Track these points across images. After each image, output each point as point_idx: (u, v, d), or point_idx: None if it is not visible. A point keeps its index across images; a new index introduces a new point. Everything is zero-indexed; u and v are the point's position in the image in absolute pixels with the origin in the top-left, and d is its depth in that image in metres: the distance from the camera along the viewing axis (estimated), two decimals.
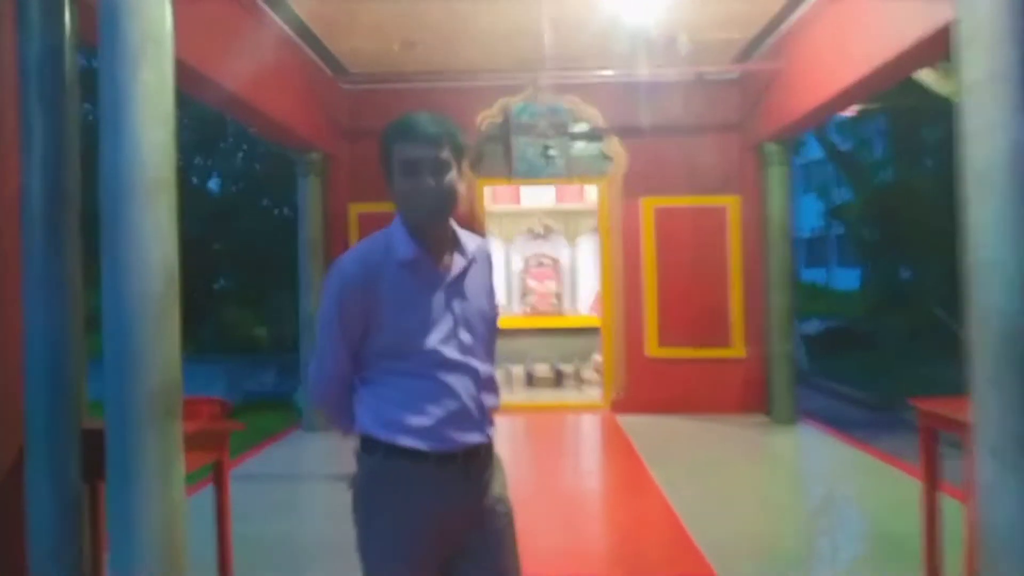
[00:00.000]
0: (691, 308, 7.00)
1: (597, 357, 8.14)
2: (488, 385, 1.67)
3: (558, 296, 11.24)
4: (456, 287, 1.63)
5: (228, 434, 2.77)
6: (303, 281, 6.49)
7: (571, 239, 11.07)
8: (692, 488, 4.65)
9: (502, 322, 8.37)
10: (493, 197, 10.68)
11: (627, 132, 7.03)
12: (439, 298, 1.60)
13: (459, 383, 1.59)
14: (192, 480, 2.82)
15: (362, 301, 1.57)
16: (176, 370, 2.14)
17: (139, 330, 2.03)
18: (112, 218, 2.05)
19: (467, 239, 1.68)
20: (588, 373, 8.85)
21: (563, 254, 11.22)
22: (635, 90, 6.86)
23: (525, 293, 11.23)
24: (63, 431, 2.07)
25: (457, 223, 1.65)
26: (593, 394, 7.90)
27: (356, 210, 6.97)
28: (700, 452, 5.72)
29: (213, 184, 16.10)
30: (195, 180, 15.79)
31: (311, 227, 6.50)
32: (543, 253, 11.29)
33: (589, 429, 6.98)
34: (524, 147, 7.20)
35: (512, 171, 7.25)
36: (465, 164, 1.64)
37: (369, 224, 6.91)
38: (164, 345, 2.08)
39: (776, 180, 6.57)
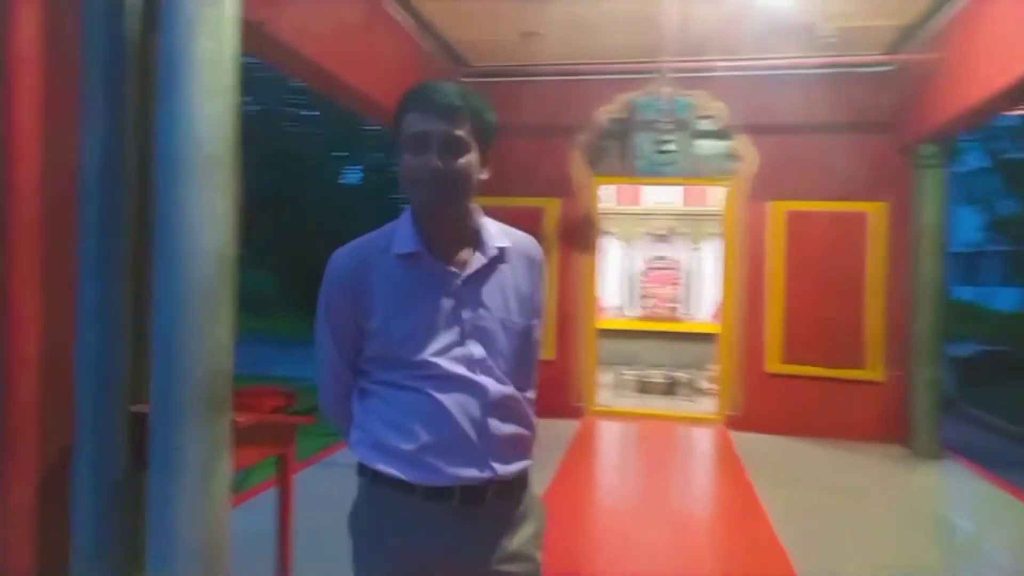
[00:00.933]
0: (822, 323, 6.40)
1: (714, 367, 7.66)
2: (504, 409, 1.36)
3: (677, 301, 10.77)
4: (469, 290, 1.37)
5: (294, 427, 2.67)
6: None
7: (694, 243, 10.57)
8: (807, 524, 4.18)
9: (614, 323, 8.02)
10: (617, 197, 10.40)
11: (758, 130, 6.52)
12: (444, 301, 1.35)
13: (456, 402, 1.31)
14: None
15: (351, 299, 1.35)
16: (226, 359, 2.03)
17: (186, 315, 1.95)
18: (164, 197, 1.97)
19: (496, 234, 1.42)
20: (703, 383, 8.38)
21: (685, 258, 10.74)
22: (769, 84, 6.35)
23: (643, 296, 10.84)
24: (111, 418, 2.04)
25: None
26: (707, 406, 7.44)
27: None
28: (821, 482, 5.16)
29: (352, 177, 16.87)
30: (333, 173, 16.59)
31: None
32: (664, 256, 10.86)
33: (699, 444, 6.55)
34: (645, 144, 6.86)
35: (632, 169, 6.92)
36: (492, 151, 1.39)
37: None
38: (213, 332, 1.98)
39: (931, 185, 5.86)
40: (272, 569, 2.72)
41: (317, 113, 16.49)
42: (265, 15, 3.43)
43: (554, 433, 6.13)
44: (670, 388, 8.40)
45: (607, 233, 10.05)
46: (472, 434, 1.31)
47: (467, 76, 6.79)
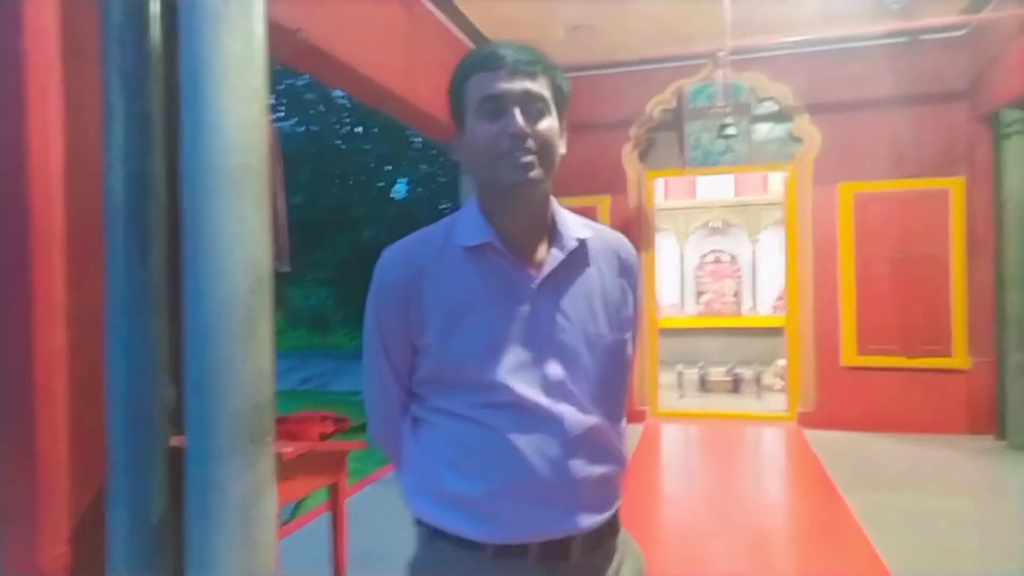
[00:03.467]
0: (900, 310, 5.98)
1: (781, 362, 7.28)
2: (590, 446, 1.09)
3: (737, 295, 10.38)
4: (549, 293, 1.09)
5: (345, 454, 2.48)
6: None
7: (752, 233, 10.17)
8: (903, 528, 3.82)
9: (673, 321, 7.66)
10: (666, 191, 10.07)
11: (821, 109, 6.14)
12: (518, 308, 1.08)
13: (528, 440, 1.04)
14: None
15: (403, 310, 1.10)
16: (267, 386, 1.81)
17: (220, 340, 1.75)
18: (192, 213, 1.78)
19: (575, 225, 1.15)
20: (770, 379, 7.99)
21: (743, 250, 10.35)
22: (830, 59, 5.98)
23: (700, 292, 10.49)
24: (146, 455, 1.84)
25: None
26: (776, 404, 7.07)
27: None
28: (912, 481, 4.77)
29: (401, 189, 17.07)
30: (382, 185, 16.78)
31: None
32: (720, 249, 10.49)
33: (771, 445, 6.18)
34: (699, 133, 6.55)
35: (686, 160, 6.61)
36: (565, 122, 1.13)
37: None
38: (251, 357, 1.77)
39: (1016, 155, 5.40)
40: None
41: (360, 130, 16.67)
42: (303, 22, 3.30)
43: None
44: (735, 386, 8.04)
45: (659, 229, 9.73)
46: (551, 478, 1.06)
47: None
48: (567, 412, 1.07)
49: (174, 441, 1.95)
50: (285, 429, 2.52)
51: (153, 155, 1.92)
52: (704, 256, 10.59)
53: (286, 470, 1.93)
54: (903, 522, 3.94)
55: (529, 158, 1.04)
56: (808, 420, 6.23)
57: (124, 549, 1.85)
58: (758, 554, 3.71)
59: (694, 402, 7.56)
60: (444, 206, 16.12)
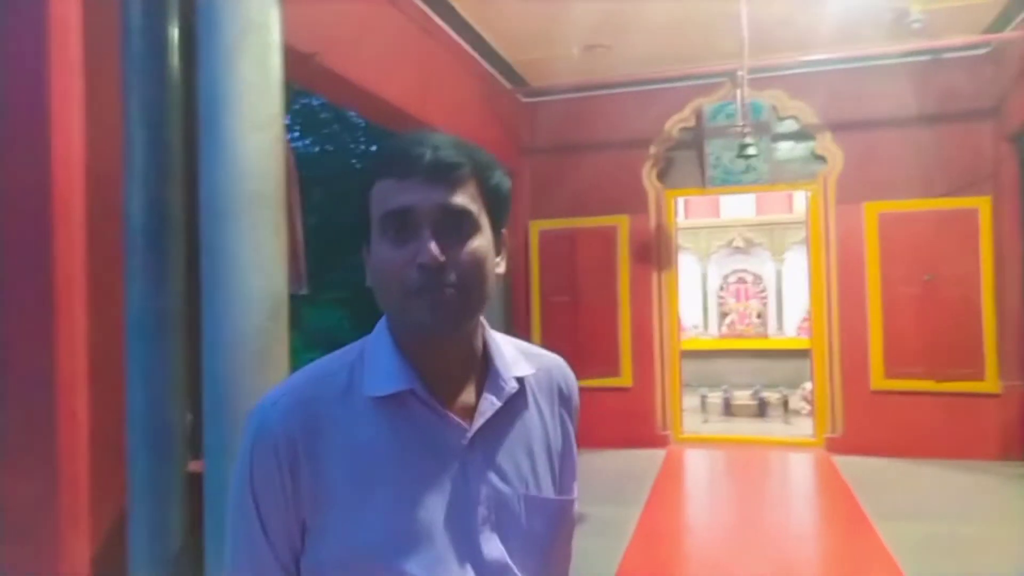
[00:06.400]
0: (927, 333, 5.84)
1: (808, 385, 7.14)
2: None
3: (761, 316, 10.24)
4: (483, 451, 0.86)
5: None
6: None
7: (776, 253, 10.06)
8: (937, 561, 3.69)
9: (696, 343, 7.51)
10: (686, 210, 10.01)
11: (843, 127, 6.07)
12: (447, 473, 0.84)
13: None
14: None
15: (290, 473, 0.82)
16: None
17: (237, 366, 1.73)
18: (209, 240, 1.78)
19: (512, 359, 0.91)
20: (797, 403, 7.84)
21: (767, 270, 10.23)
22: (853, 77, 5.92)
23: (723, 313, 10.37)
24: (165, 480, 1.85)
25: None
26: (803, 428, 6.92)
27: (537, 227, 6.67)
28: (944, 509, 4.62)
29: None
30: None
31: None
32: (744, 269, 10.39)
33: (799, 471, 6.05)
34: (720, 152, 6.50)
35: (706, 179, 6.56)
36: (506, 223, 0.91)
37: (550, 242, 6.60)
38: (268, 382, 1.73)
39: None
40: None
41: (375, 148, 16.91)
42: (318, 46, 3.33)
43: (638, 465, 5.77)
44: (761, 410, 7.89)
45: (680, 248, 9.68)
46: None
47: (528, 95, 6.61)
48: None
49: (192, 466, 1.93)
50: None
51: (172, 183, 1.93)
52: (727, 276, 10.49)
53: None
54: (935, 550, 3.81)
55: (448, 294, 0.80)
56: (836, 446, 6.09)
57: (146, 574, 1.83)
58: None
59: (718, 427, 7.43)
60: None
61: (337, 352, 0.91)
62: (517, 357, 0.92)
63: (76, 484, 1.95)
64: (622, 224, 6.50)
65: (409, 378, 0.83)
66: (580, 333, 6.50)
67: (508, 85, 6.28)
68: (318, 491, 0.82)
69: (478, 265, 0.82)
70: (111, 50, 2.04)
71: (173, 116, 2.01)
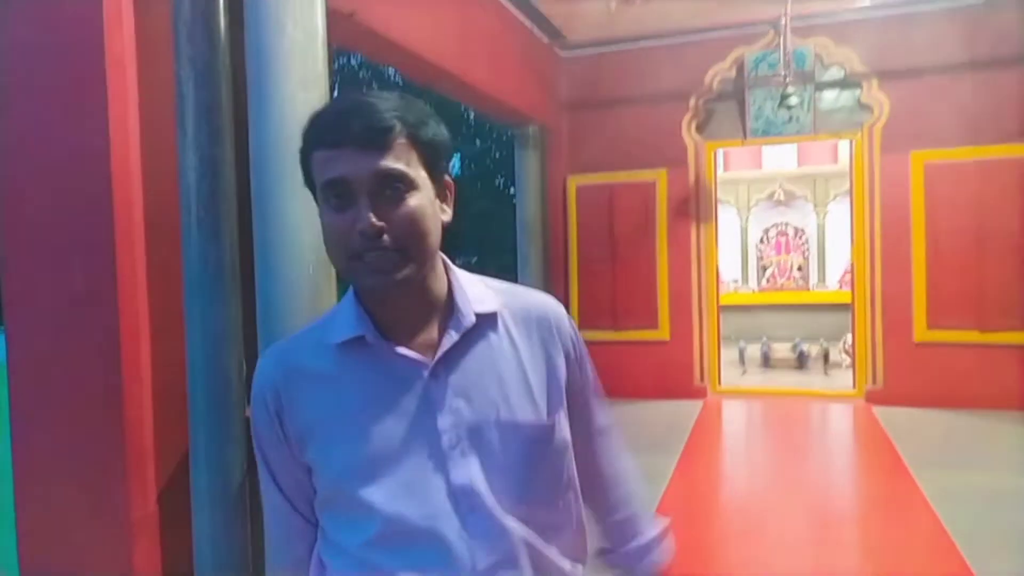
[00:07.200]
0: (975, 284, 5.73)
1: (849, 337, 7.09)
2: (528, 553, 0.92)
3: (802, 269, 10.12)
4: (446, 379, 0.91)
5: None
6: (520, 263, 6.30)
7: (820, 205, 9.88)
8: (978, 512, 3.69)
9: (734, 296, 7.45)
10: (726, 163, 9.85)
11: (890, 75, 5.89)
12: (408, 404, 0.90)
13: (451, 560, 0.87)
14: None
15: (276, 418, 0.93)
16: None
17: (288, 315, 1.84)
18: (260, 197, 1.88)
19: (478, 295, 0.96)
20: (837, 355, 7.79)
21: (809, 223, 10.07)
22: (901, 22, 5.72)
23: (763, 266, 10.27)
24: (224, 424, 2.00)
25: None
26: (843, 381, 6.90)
27: (575, 182, 6.66)
28: (987, 461, 4.59)
29: (454, 165, 17.35)
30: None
31: (529, 204, 6.29)
32: (785, 222, 10.23)
33: (839, 424, 6.05)
34: (761, 102, 6.37)
35: (747, 131, 6.45)
36: (448, 169, 0.94)
37: (588, 197, 6.60)
38: None
39: None
40: None
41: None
42: (356, 4, 3.36)
43: (675, 417, 5.84)
44: (800, 362, 7.87)
45: (719, 202, 9.58)
46: None
47: (565, 49, 6.54)
48: (498, 520, 0.89)
49: (249, 411, 2.07)
50: None
51: (223, 142, 2.02)
52: (767, 230, 10.35)
53: None
54: (975, 502, 3.82)
55: (388, 255, 0.84)
56: (877, 397, 6.07)
57: (208, 510, 1.99)
58: (824, 535, 3.66)
59: (756, 379, 7.45)
60: (499, 183, 16.24)
61: (324, 315, 1.00)
62: (485, 294, 0.97)
63: (142, 429, 2.10)
64: (661, 178, 6.46)
65: (363, 325, 0.91)
66: (618, 287, 6.53)
67: (546, 39, 6.22)
68: (302, 433, 0.92)
69: (415, 223, 0.85)
70: (162, 13, 2.12)
71: (222, 77, 2.09)
